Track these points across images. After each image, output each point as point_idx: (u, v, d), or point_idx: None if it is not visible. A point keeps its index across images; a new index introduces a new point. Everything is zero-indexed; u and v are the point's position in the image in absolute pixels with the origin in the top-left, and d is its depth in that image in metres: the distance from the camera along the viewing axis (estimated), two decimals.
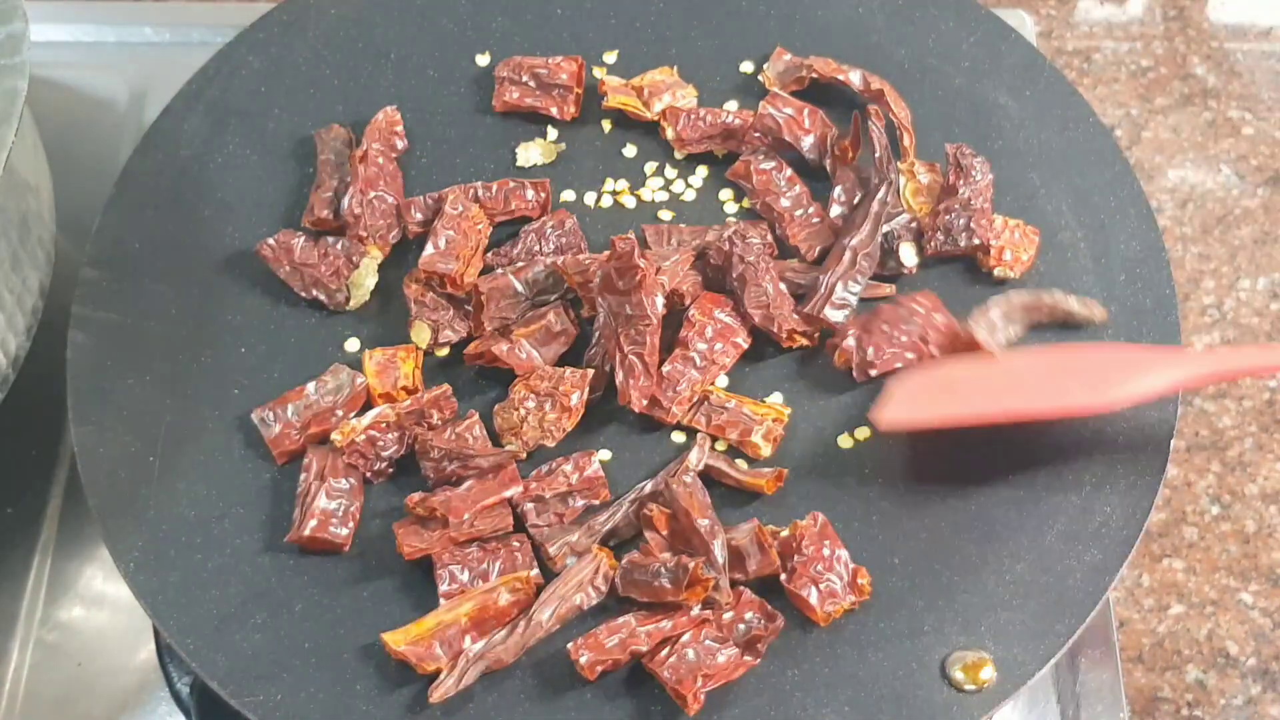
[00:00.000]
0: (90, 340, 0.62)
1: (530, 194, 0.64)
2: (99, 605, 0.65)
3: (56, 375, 0.61)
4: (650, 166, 0.66)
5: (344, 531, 0.56)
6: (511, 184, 0.65)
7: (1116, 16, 0.87)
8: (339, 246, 0.63)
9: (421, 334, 0.61)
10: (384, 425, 0.58)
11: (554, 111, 0.67)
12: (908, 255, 0.62)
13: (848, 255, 0.61)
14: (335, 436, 0.58)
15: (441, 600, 0.55)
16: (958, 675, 0.53)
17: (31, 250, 0.64)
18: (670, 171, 0.66)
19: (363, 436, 0.58)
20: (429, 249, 0.61)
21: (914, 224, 0.63)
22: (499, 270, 0.62)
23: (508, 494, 0.57)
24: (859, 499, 0.58)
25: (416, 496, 0.56)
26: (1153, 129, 0.82)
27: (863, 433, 0.59)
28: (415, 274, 0.62)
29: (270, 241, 0.63)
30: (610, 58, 0.70)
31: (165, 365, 0.61)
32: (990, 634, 0.54)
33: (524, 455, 0.58)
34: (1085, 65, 0.84)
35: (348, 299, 0.63)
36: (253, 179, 0.66)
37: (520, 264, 0.62)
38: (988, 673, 0.53)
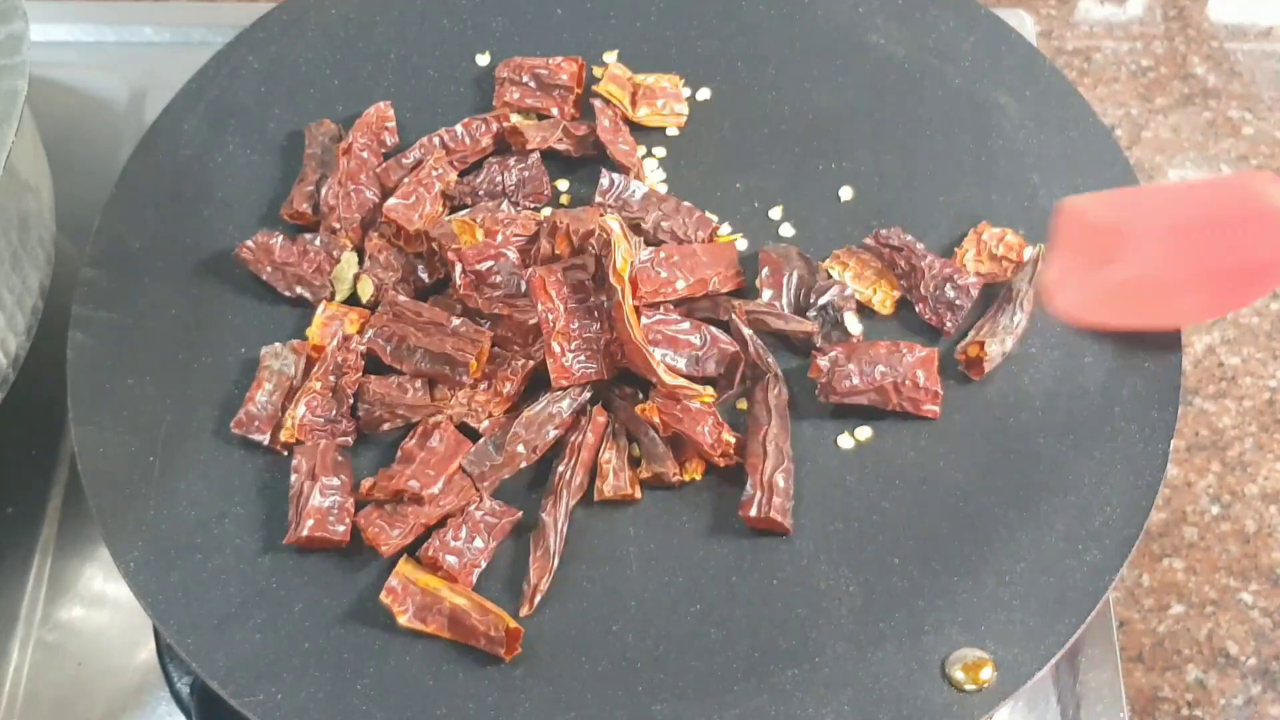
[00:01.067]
0: (90, 340, 0.62)
1: (496, 128, 0.66)
2: (99, 605, 0.65)
3: (56, 375, 0.61)
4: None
5: (341, 528, 0.57)
6: (476, 121, 0.66)
7: (1117, 16, 0.87)
8: (317, 243, 0.63)
9: (366, 287, 0.62)
10: (314, 401, 0.59)
11: (554, 112, 0.67)
12: (853, 325, 0.61)
13: (765, 449, 0.58)
14: (283, 435, 0.58)
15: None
16: (958, 675, 0.53)
17: (31, 250, 0.64)
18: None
19: (304, 417, 0.58)
20: (395, 200, 0.62)
21: (850, 294, 0.61)
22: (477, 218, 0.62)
23: (463, 459, 0.57)
24: (859, 499, 0.58)
25: (368, 482, 0.57)
26: (1153, 129, 0.82)
27: (863, 433, 0.59)
28: (380, 227, 0.63)
29: (249, 244, 0.63)
30: (610, 57, 0.70)
31: (165, 365, 0.61)
32: (990, 634, 0.54)
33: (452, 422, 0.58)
34: (1086, 65, 0.84)
35: (333, 294, 0.63)
36: (252, 178, 0.67)
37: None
38: (988, 673, 0.53)
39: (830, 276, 0.62)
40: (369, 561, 0.57)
